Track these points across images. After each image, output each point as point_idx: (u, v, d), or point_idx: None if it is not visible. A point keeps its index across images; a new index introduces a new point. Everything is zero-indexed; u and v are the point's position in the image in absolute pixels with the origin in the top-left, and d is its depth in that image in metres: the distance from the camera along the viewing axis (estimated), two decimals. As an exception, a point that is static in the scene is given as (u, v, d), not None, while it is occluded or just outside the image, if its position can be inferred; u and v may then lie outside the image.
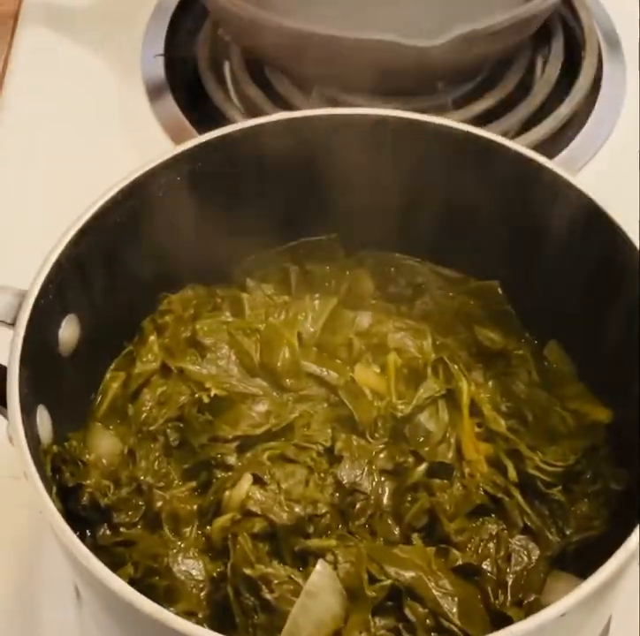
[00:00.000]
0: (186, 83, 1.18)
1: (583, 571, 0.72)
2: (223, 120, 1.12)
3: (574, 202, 0.76)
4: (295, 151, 0.83)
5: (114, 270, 0.79)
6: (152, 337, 0.83)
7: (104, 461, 0.78)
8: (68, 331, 0.74)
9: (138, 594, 0.57)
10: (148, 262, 0.82)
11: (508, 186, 0.81)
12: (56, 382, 0.73)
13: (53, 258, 0.71)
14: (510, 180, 0.81)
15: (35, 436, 0.68)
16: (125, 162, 1.05)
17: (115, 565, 0.72)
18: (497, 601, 0.73)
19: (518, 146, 0.79)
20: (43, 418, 0.70)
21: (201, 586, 0.73)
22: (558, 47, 1.20)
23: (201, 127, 1.12)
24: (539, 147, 1.11)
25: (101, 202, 0.74)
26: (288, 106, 1.13)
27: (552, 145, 1.14)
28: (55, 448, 0.72)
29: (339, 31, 1.04)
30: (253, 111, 1.14)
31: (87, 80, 1.18)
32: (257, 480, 0.75)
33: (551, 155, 1.11)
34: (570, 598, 0.58)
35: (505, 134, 1.11)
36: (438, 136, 0.81)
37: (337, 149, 0.83)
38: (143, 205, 0.78)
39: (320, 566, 0.71)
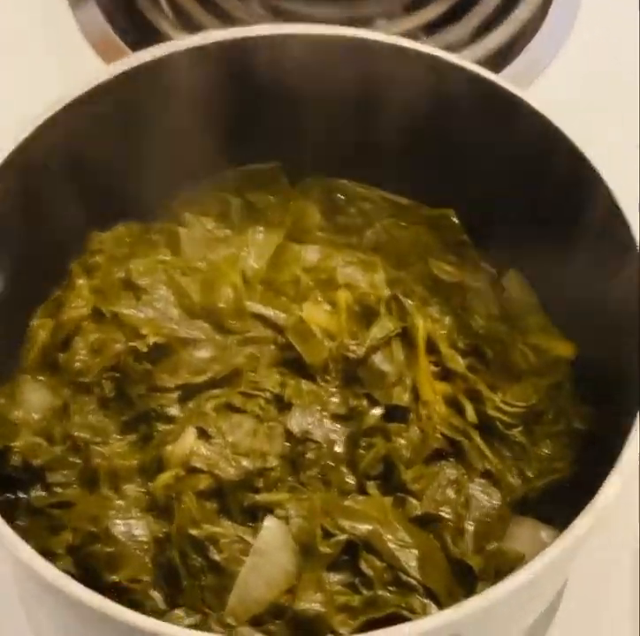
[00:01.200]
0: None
1: (547, 516, 0.70)
2: (151, 30, 1.03)
3: (527, 120, 0.71)
4: (236, 70, 0.77)
5: (34, 210, 0.72)
6: (81, 281, 0.77)
7: (35, 416, 0.73)
8: (-15, 281, 0.68)
9: (75, 583, 0.52)
10: (72, 199, 0.75)
11: (459, 104, 0.75)
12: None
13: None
14: (460, 97, 0.75)
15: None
16: (45, 78, 0.99)
17: (52, 530, 0.68)
18: (457, 550, 0.69)
19: (466, 62, 0.73)
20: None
21: (145, 547, 0.69)
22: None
23: (128, 37, 1.03)
24: (495, 54, 1.04)
25: (19, 139, 0.67)
26: (224, 14, 1.05)
27: (507, 52, 1.07)
28: (-24, 411, 0.67)
29: None
30: (185, 19, 1.05)
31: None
32: (202, 434, 0.71)
33: (505, 63, 1.05)
34: (540, 560, 0.54)
35: (458, 42, 1.05)
36: (387, 53, 0.74)
37: (282, 68, 0.77)
38: (65, 137, 0.70)
39: (270, 522, 0.67)
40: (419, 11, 1.07)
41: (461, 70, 0.73)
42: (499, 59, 1.04)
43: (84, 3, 1.06)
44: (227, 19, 1.04)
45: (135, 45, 1.01)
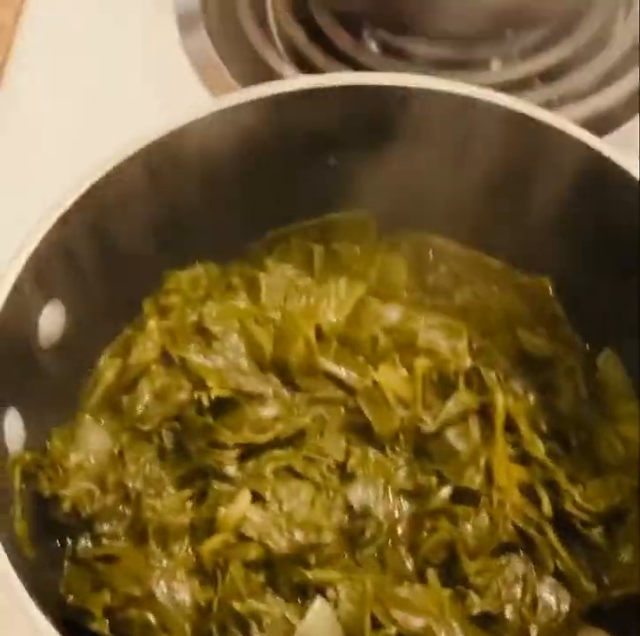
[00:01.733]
0: (222, 18, 1.06)
1: (620, 630, 0.64)
2: (261, 64, 1.00)
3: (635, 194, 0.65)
4: (331, 120, 0.73)
5: (108, 250, 0.69)
6: (153, 321, 0.74)
7: (92, 460, 0.70)
8: (50, 320, 0.66)
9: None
10: (149, 238, 0.72)
11: (569, 172, 0.70)
12: (34, 377, 0.65)
13: (33, 244, 0.62)
14: (570, 165, 0.69)
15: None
16: (147, 105, 0.97)
17: (93, 586, 0.66)
18: (517, 656, 0.64)
19: (581, 131, 0.67)
20: (13, 423, 0.63)
21: (187, 613, 0.66)
22: (643, -9, 1.05)
23: (236, 68, 1.01)
24: (617, 107, 0.98)
25: (94, 178, 0.65)
26: (334, 50, 1.01)
27: (632, 106, 1.00)
28: (28, 455, 0.65)
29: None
30: (295, 55, 1.02)
31: (112, 6, 1.06)
32: (257, 498, 0.67)
33: (627, 117, 0.98)
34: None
35: (577, 91, 0.98)
36: (491, 113, 0.69)
37: (379, 118, 0.72)
38: (143, 176, 0.68)
39: (318, 605, 0.63)
40: (538, 56, 1.01)
41: (562, 134, 0.68)
42: (617, 115, 0.97)
43: (194, 30, 1.04)
44: (339, 57, 1.00)
45: (241, 77, 0.99)
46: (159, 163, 0.68)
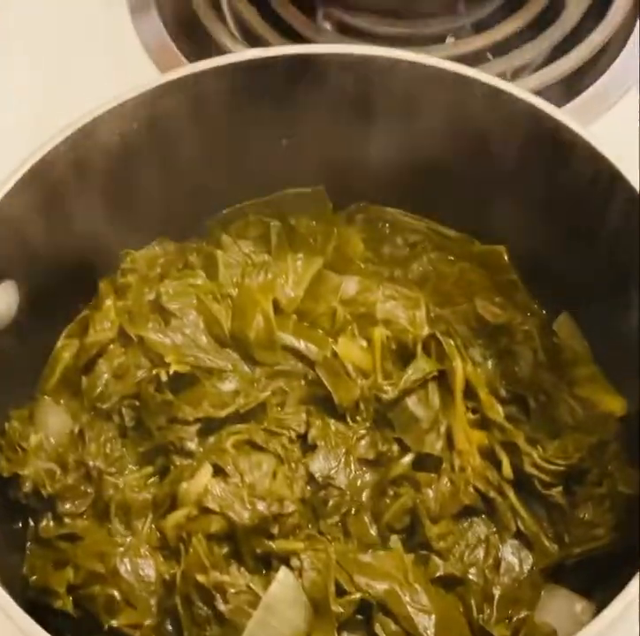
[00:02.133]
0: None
1: (583, 586, 0.64)
2: (213, 44, 1.00)
3: (586, 160, 0.66)
4: (281, 92, 0.72)
5: (61, 227, 0.69)
6: (109, 301, 0.74)
7: (52, 440, 0.70)
8: (3, 301, 0.65)
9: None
10: (103, 215, 0.72)
11: (518, 138, 0.70)
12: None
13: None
14: (519, 131, 0.69)
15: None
16: (99, 84, 0.96)
17: (56, 565, 0.65)
18: (481, 617, 0.65)
19: (528, 94, 0.67)
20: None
21: (151, 589, 0.66)
22: (594, -38, 1.05)
23: (187, 49, 1.00)
24: (569, 78, 0.98)
25: (42, 152, 0.64)
26: (287, 30, 1.01)
27: (582, 75, 1.01)
28: (-16, 434, 0.64)
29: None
30: (248, 34, 1.01)
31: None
32: (218, 471, 0.67)
33: (581, 88, 0.99)
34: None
35: (530, 63, 0.99)
36: (441, 80, 0.69)
37: (327, 92, 0.72)
38: (93, 151, 0.67)
39: (282, 574, 0.63)
40: (489, 31, 1.01)
41: (520, 101, 0.68)
42: (572, 85, 0.97)
43: (146, 14, 1.04)
44: (293, 37, 1.00)
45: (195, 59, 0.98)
46: (109, 138, 0.68)
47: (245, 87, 0.72)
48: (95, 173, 0.69)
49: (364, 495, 0.69)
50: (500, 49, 1.01)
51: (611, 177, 0.63)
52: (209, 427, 0.70)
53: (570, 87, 0.98)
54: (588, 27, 1.01)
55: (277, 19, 1.02)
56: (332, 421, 0.71)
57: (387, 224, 0.80)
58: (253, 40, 1.01)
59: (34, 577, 0.65)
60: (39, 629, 0.50)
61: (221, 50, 0.98)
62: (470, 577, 0.66)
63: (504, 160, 0.72)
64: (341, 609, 0.62)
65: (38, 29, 1.04)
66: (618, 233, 0.66)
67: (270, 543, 0.65)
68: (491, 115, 0.71)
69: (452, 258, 0.79)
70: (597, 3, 1.03)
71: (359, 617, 0.63)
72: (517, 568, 0.67)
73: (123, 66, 0.99)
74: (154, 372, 0.70)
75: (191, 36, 1.02)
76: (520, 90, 0.68)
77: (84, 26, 1.03)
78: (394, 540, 0.67)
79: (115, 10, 1.03)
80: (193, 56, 0.99)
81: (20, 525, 0.69)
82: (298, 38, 1.00)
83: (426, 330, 0.73)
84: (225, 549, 0.65)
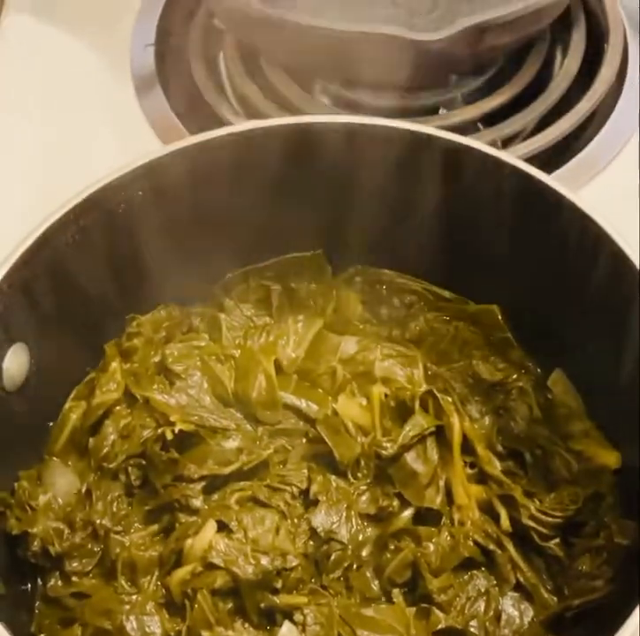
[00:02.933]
0: (177, 76, 1.10)
1: (583, 637, 0.65)
2: (216, 119, 1.04)
3: (577, 223, 0.68)
4: (279, 161, 0.76)
5: (70, 293, 0.72)
6: (114, 363, 0.76)
7: (60, 501, 0.72)
8: (15, 363, 0.68)
9: None
10: (110, 282, 0.75)
11: (508, 203, 0.73)
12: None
13: (-6, 284, 0.64)
14: (510, 196, 0.72)
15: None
16: (106, 161, 1.00)
17: (64, 623, 0.66)
18: (483, 669, 0.65)
19: (517, 161, 0.70)
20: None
21: (157, 645, 0.67)
22: (579, 35, 1.09)
23: (192, 124, 1.04)
24: (557, 145, 1.02)
25: (50, 221, 0.67)
26: (288, 104, 1.05)
27: (571, 143, 1.05)
28: (-4, 494, 0.66)
29: (345, 24, 0.96)
30: (249, 109, 1.05)
31: (73, 71, 1.10)
32: (223, 527, 0.69)
33: (570, 155, 1.02)
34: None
35: (520, 132, 1.03)
36: (434, 147, 0.72)
37: (323, 160, 0.76)
38: (100, 222, 0.71)
39: (286, 629, 0.64)
40: (481, 101, 1.05)
41: (507, 166, 0.71)
42: (561, 152, 1.01)
43: (151, 91, 1.08)
44: (292, 110, 1.04)
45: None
46: (116, 207, 0.71)
47: (245, 157, 0.75)
48: (101, 241, 0.72)
49: (366, 550, 0.70)
50: (490, 119, 1.05)
51: (597, 236, 0.66)
52: (214, 484, 0.72)
53: (559, 155, 1.02)
54: (575, 97, 1.05)
55: (276, 95, 1.07)
56: (333, 477, 0.72)
57: (384, 286, 0.83)
58: (254, 114, 1.05)
59: (43, 635, 0.66)
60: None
61: (224, 124, 1.02)
62: (471, 630, 0.67)
63: (495, 223, 0.75)
64: (345, 663, 0.63)
65: (43, 105, 1.08)
66: (606, 291, 0.69)
67: (274, 598, 0.66)
68: (482, 181, 0.74)
69: (447, 317, 0.81)
70: (583, 74, 1.07)
71: (362, 671, 0.64)
72: (517, 620, 0.68)
73: (128, 141, 1.03)
74: (159, 431, 0.72)
75: (194, 112, 1.06)
76: (508, 155, 0.71)
77: (90, 103, 1.08)
78: (396, 593, 0.68)
79: (120, 86, 1.08)
80: (197, 131, 1.02)
81: (29, 585, 0.69)
82: (297, 112, 1.04)
83: (424, 387, 0.75)
84: (230, 605, 0.66)
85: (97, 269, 0.73)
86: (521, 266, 0.75)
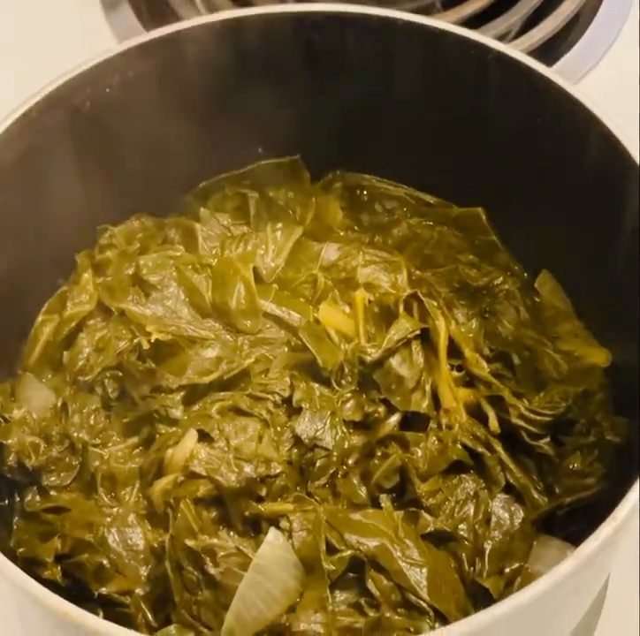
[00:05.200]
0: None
1: (575, 536, 0.64)
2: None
3: (570, 113, 0.65)
4: (247, 55, 0.72)
5: (40, 198, 0.69)
6: (86, 275, 0.74)
7: (35, 415, 0.69)
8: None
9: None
10: (81, 189, 0.72)
11: (496, 95, 0.70)
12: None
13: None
14: (497, 88, 0.70)
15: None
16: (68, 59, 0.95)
17: (43, 536, 0.64)
18: (473, 571, 0.64)
19: (499, 44, 0.67)
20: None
21: (140, 557, 0.65)
22: None
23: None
24: (539, 50, 0.99)
25: (14, 116, 0.64)
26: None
27: (553, 47, 1.02)
28: (-33, 405, 0.64)
29: None
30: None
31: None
32: (204, 437, 0.67)
33: (552, 59, 0.99)
34: (564, 566, 0.49)
35: (502, 37, 0.99)
36: (413, 35, 0.69)
37: (297, 54, 0.73)
38: (67, 119, 0.67)
39: (272, 535, 0.62)
40: (460, 6, 1.02)
41: (492, 51, 0.68)
42: (546, 55, 0.98)
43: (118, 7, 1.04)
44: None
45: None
46: (82, 104, 0.67)
47: (217, 52, 0.72)
48: (69, 142, 0.69)
49: (352, 457, 0.68)
50: (471, 24, 1.01)
51: (587, 119, 0.63)
52: (193, 395, 0.70)
53: (545, 57, 0.99)
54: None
55: (247, 4, 1.03)
56: (317, 386, 0.70)
57: (365, 192, 0.80)
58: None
59: (22, 549, 0.64)
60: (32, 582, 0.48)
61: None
62: (461, 532, 0.65)
63: (480, 116, 0.72)
64: (333, 567, 0.61)
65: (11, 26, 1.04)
66: (595, 180, 0.66)
67: (259, 506, 0.64)
68: (463, 73, 0.71)
69: (430, 222, 0.79)
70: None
71: (351, 574, 0.62)
72: (508, 522, 0.66)
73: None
74: (135, 341, 0.70)
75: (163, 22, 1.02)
76: (493, 41, 0.68)
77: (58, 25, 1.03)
78: (384, 499, 0.66)
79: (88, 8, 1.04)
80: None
81: (6, 501, 0.68)
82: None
83: (408, 292, 0.73)
84: (214, 514, 0.65)
85: (66, 174, 0.70)
86: (506, 166, 0.73)
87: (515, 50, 0.67)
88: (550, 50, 1.00)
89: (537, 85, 0.66)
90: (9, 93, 0.93)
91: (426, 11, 1.03)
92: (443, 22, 0.68)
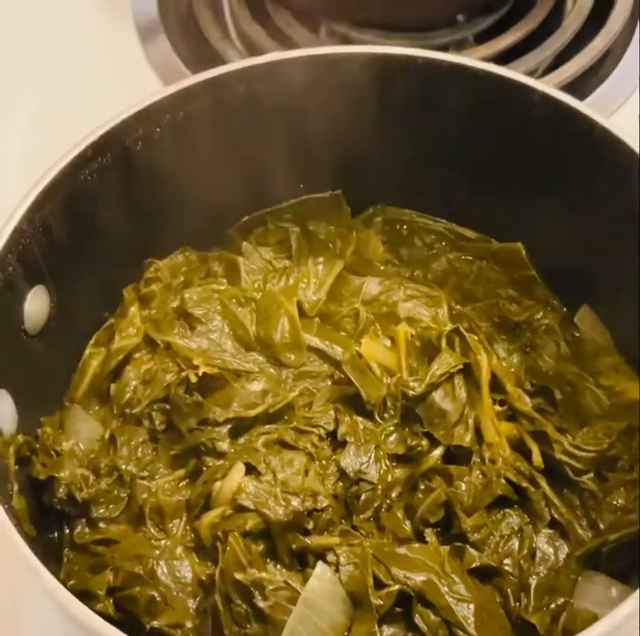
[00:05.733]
0: (180, 21, 1.08)
1: (620, 571, 0.64)
2: (220, 61, 1.02)
3: (610, 150, 0.66)
4: (295, 95, 0.74)
5: (88, 234, 0.70)
6: (133, 308, 0.75)
7: (82, 447, 0.70)
8: (36, 305, 0.66)
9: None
10: (128, 225, 0.73)
11: (534, 133, 0.71)
12: (22, 363, 0.65)
13: (13, 223, 0.62)
14: (535, 126, 0.71)
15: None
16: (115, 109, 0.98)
17: (93, 569, 0.65)
18: (518, 606, 0.65)
19: (545, 86, 0.68)
20: (4, 404, 0.62)
21: (188, 590, 0.66)
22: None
23: (196, 66, 1.02)
24: (571, 85, 1.00)
25: (68, 159, 0.65)
26: (293, 44, 1.03)
27: (584, 83, 1.03)
28: (20, 437, 0.64)
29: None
30: (254, 51, 1.03)
31: (76, 21, 1.08)
32: (251, 470, 0.67)
33: (584, 95, 1.00)
34: (624, 608, 0.49)
35: (532, 73, 1.01)
36: (455, 76, 0.70)
37: (341, 93, 0.74)
38: (118, 160, 0.69)
39: (320, 569, 0.63)
40: (492, 41, 1.03)
41: (536, 92, 0.69)
42: (575, 90, 0.99)
43: (155, 38, 1.05)
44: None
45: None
46: (133, 144, 0.69)
47: (258, 94, 0.73)
48: (118, 181, 0.70)
49: (396, 490, 0.69)
50: (503, 60, 1.03)
51: (630, 160, 0.64)
52: (240, 428, 0.70)
53: (575, 91, 1.00)
54: (589, 34, 1.03)
55: (281, 36, 1.04)
56: (360, 419, 0.71)
57: (405, 226, 0.81)
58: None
59: (72, 582, 0.65)
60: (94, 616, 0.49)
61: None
62: (506, 567, 0.66)
63: (522, 155, 0.73)
64: (381, 602, 0.62)
65: (50, 56, 1.06)
66: (630, 222, 0.67)
67: (306, 539, 0.65)
68: (507, 109, 0.72)
69: (470, 257, 0.80)
70: (596, 12, 1.05)
71: (398, 609, 0.63)
72: (552, 557, 0.67)
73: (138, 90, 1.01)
74: (183, 374, 0.71)
75: (199, 57, 1.04)
76: (536, 81, 0.69)
77: (92, 55, 1.05)
78: (429, 533, 0.67)
79: (124, 35, 1.05)
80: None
81: (56, 534, 0.68)
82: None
83: (449, 326, 0.74)
84: (261, 547, 0.65)
85: (114, 211, 0.71)
86: (546, 202, 0.74)
87: (561, 92, 0.68)
88: (580, 84, 1.01)
89: (582, 125, 0.67)
90: (48, 121, 0.97)
91: (459, 45, 1.05)
92: (488, 64, 0.69)
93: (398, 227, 0.81)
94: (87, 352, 0.74)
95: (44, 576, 0.51)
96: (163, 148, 0.71)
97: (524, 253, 0.78)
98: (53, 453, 0.67)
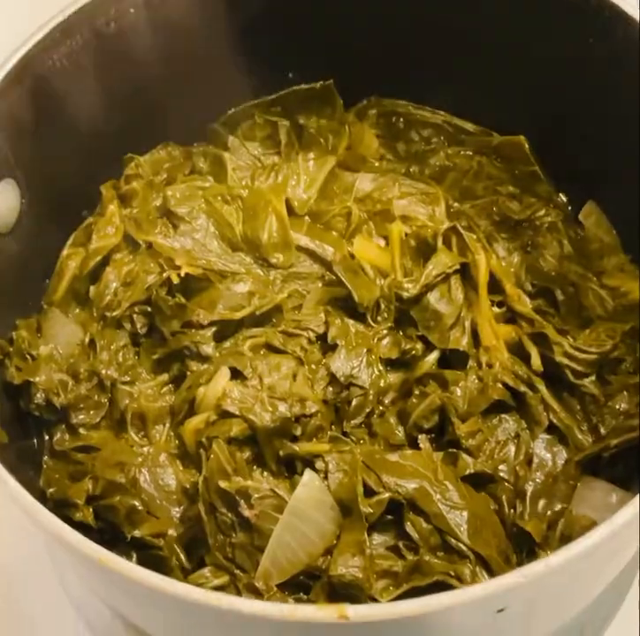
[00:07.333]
0: None
1: (620, 478, 0.62)
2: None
3: (625, 35, 0.61)
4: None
5: (61, 125, 0.66)
6: (112, 206, 0.71)
7: (61, 351, 0.67)
8: (5, 200, 0.62)
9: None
10: (105, 116, 0.69)
11: (540, 14, 0.66)
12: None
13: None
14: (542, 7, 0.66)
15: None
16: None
17: (74, 477, 0.63)
18: (513, 513, 0.62)
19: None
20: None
21: (173, 498, 0.63)
22: None
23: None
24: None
25: (32, 42, 0.61)
26: None
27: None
28: (-7, 339, 0.62)
29: None
30: None
31: None
32: (236, 375, 0.64)
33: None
34: (622, 514, 0.46)
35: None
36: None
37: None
38: (89, 43, 0.64)
39: (307, 477, 0.60)
40: None
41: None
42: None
43: None
44: None
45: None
46: (105, 26, 0.64)
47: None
48: (91, 67, 0.66)
49: (388, 396, 0.66)
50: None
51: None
52: (225, 331, 0.67)
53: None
54: None
55: None
56: (352, 322, 0.68)
57: (401, 119, 0.77)
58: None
59: (52, 489, 0.62)
60: (66, 527, 0.47)
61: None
62: (501, 474, 0.63)
63: (524, 45, 0.69)
64: (370, 510, 0.60)
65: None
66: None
67: (294, 446, 0.62)
68: None
69: (469, 152, 0.75)
70: None
71: (389, 517, 0.61)
72: (550, 463, 0.64)
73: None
74: (165, 275, 0.67)
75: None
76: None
77: None
78: (422, 439, 0.64)
79: None
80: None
81: (35, 440, 0.66)
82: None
83: (446, 224, 0.70)
84: (247, 454, 0.63)
85: (88, 100, 0.67)
86: (550, 91, 0.69)
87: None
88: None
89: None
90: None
91: None
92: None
93: (393, 120, 0.77)
94: (65, 252, 0.71)
95: (8, 482, 0.48)
96: (139, 31, 0.66)
97: (527, 146, 0.73)
98: (28, 357, 0.65)
